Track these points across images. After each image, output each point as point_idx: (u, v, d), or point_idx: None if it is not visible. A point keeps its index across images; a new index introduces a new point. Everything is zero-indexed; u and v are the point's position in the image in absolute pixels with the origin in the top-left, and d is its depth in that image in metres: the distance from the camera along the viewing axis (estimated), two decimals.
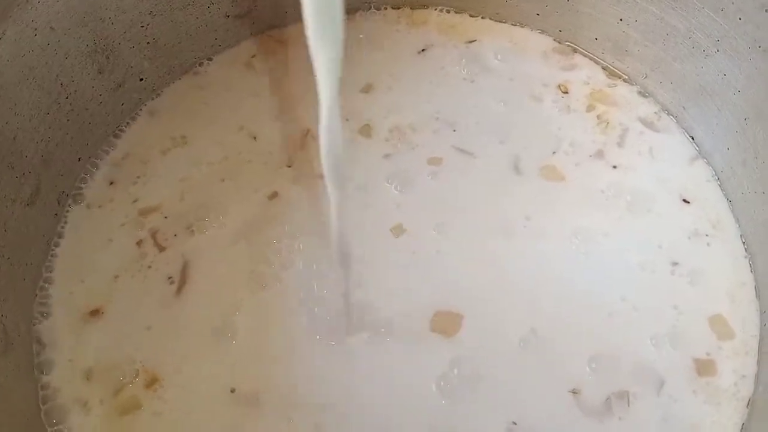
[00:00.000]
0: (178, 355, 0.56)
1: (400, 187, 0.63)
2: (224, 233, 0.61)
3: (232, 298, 0.58)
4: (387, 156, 0.65)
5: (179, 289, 0.59)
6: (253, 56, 0.71)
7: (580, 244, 0.60)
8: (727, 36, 0.58)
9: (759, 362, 0.56)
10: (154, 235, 0.61)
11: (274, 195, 0.63)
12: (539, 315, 0.57)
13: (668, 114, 0.67)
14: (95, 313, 0.58)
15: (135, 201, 0.63)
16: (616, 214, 0.62)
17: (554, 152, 0.65)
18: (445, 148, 0.65)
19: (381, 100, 0.68)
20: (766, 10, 0.54)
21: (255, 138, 0.66)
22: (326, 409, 0.54)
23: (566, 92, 0.68)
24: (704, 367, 0.56)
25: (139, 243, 0.61)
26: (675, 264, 0.60)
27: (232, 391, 0.55)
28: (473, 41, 0.71)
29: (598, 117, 0.67)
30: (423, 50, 0.71)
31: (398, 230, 0.61)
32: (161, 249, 0.60)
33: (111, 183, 0.64)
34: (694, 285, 0.59)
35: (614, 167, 0.64)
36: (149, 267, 0.60)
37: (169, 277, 0.59)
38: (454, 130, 0.66)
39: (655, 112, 0.67)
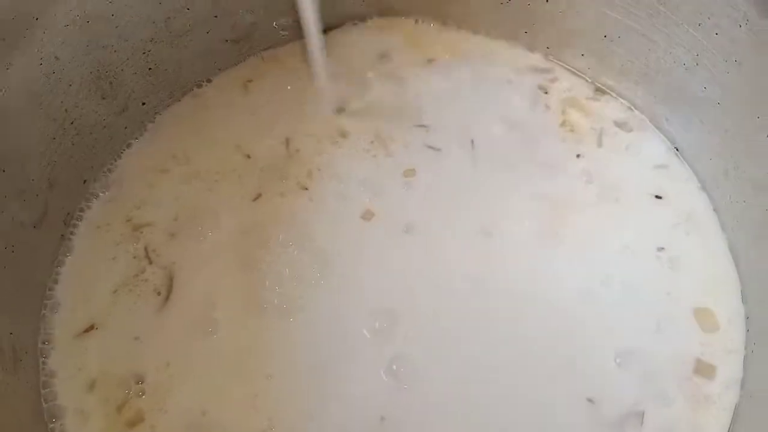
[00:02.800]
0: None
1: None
2: (215, 246, 0.63)
3: (221, 305, 0.60)
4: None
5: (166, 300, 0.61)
6: (250, 81, 0.73)
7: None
8: (705, 50, 0.60)
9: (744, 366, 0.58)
10: (147, 250, 0.63)
11: (261, 204, 0.65)
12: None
13: (650, 123, 0.69)
14: (90, 329, 0.60)
15: (131, 219, 0.65)
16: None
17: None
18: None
19: None
20: (740, 26, 0.56)
21: (249, 156, 0.68)
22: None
23: (546, 93, 0.70)
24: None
25: (135, 258, 0.63)
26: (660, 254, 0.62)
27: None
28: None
29: (567, 122, 0.69)
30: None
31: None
32: (151, 262, 0.62)
33: (112, 203, 0.66)
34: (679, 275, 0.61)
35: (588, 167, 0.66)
36: (144, 281, 0.62)
37: (158, 293, 0.61)
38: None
39: (640, 119, 0.69)
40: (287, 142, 0.69)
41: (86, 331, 0.60)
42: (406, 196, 0.65)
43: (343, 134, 0.69)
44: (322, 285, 0.61)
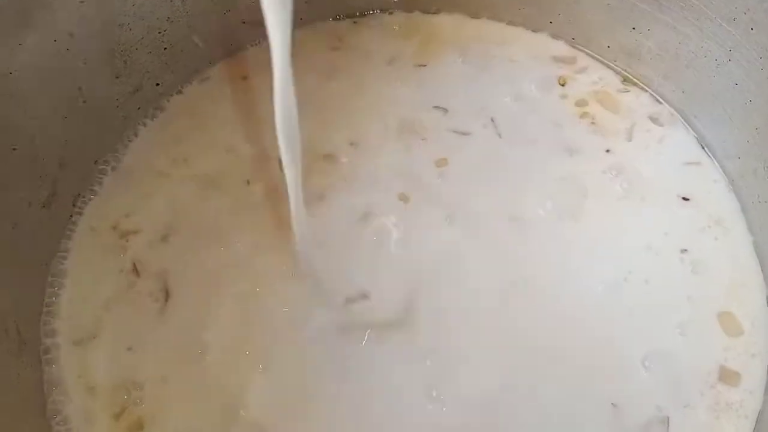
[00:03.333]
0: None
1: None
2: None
3: (215, 312, 0.58)
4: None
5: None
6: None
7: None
8: (739, 46, 0.58)
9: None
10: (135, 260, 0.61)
11: (252, 200, 0.63)
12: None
13: (680, 118, 0.67)
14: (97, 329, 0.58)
15: (127, 215, 0.63)
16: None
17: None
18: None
19: None
20: None
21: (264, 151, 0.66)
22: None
23: (563, 84, 0.69)
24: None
25: (131, 258, 0.61)
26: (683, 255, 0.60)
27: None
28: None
29: (589, 114, 0.67)
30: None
31: None
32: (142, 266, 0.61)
33: (122, 186, 0.64)
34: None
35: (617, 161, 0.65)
36: (138, 284, 0.60)
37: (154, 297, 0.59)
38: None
39: (670, 114, 0.67)
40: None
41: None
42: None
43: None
44: None
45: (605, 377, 0.55)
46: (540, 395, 0.54)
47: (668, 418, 0.54)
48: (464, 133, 0.66)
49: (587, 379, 0.55)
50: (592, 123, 0.66)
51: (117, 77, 0.64)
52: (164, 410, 0.55)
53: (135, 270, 0.60)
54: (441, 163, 0.64)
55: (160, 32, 0.65)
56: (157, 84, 0.67)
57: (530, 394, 0.54)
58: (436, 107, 0.68)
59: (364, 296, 0.58)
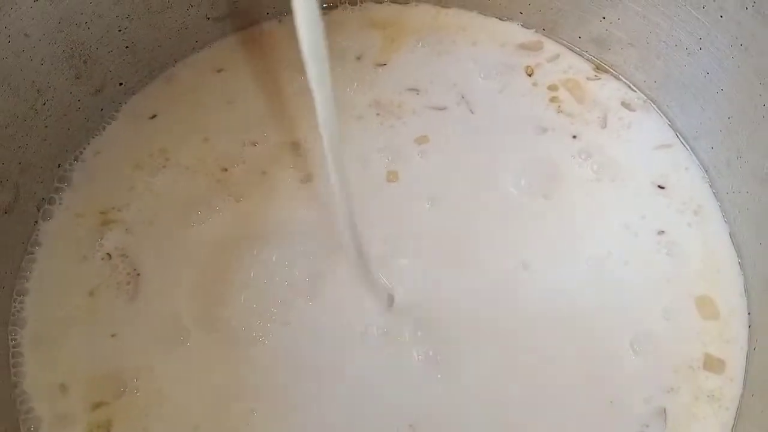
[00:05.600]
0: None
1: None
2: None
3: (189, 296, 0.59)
4: None
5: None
6: (232, 60, 0.70)
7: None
8: (709, 34, 0.57)
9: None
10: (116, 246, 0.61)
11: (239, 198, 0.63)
12: None
13: (653, 106, 0.66)
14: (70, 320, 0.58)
15: (104, 210, 0.63)
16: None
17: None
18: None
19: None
20: (746, 8, 0.53)
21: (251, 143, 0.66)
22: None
23: (531, 74, 0.68)
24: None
25: (104, 252, 0.61)
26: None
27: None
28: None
29: (557, 99, 0.67)
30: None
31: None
32: (122, 255, 0.60)
33: (85, 189, 0.63)
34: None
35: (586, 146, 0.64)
36: (114, 275, 0.60)
37: (127, 282, 0.59)
38: None
39: (643, 102, 0.66)
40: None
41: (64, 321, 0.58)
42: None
43: None
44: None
45: (596, 360, 0.56)
46: (533, 378, 0.56)
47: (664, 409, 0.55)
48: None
49: (578, 360, 0.56)
50: (560, 111, 0.66)
51: (77, 78, 0.62)
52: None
53: (108, 263, 0.60)
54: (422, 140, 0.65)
55: (120, 30, 0.63)
56: (120, 84, 0.66)
57: (526, 380, 0.56)
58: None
59: None
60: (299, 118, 0.66)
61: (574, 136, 0.65)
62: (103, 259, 0.60)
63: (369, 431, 0.54)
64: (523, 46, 0.69)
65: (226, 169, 0.64)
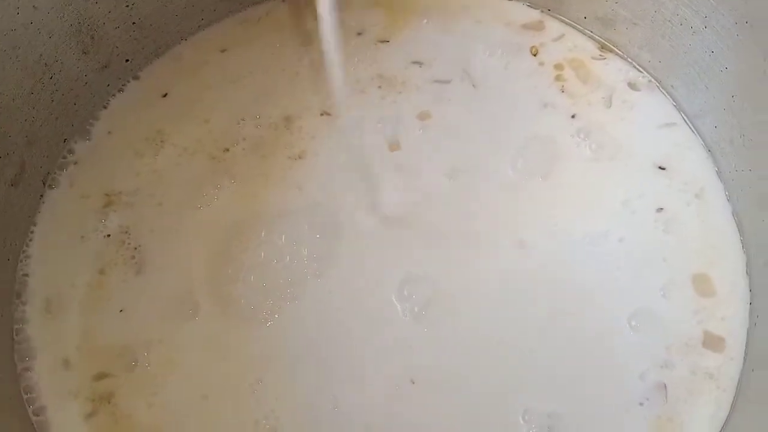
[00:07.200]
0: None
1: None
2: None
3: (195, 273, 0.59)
4: None
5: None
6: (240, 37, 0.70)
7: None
8: (714, 12, 0.57)
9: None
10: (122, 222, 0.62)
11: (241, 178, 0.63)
12: None
13: (657, 85, 0.66)
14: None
15: (109, 186, 0.63)
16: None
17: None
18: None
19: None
20: None
21: (243, 119, 0.66)
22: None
23: (536, 54, 0.68)
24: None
25: (109, 229, 0.61)
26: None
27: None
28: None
29: (562, 77, 0.67)
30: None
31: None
32: (126, 232, 0.61)
33: (90, 165, 0.64)
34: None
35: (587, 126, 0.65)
36: (121, 250, 0.60)
37: (132, 257, 0.60)
38: None
39: (648, 81, 0.66)
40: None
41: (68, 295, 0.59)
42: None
43: None
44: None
45: (593, 337, 0.57)
46: (530, 353, 0.56)
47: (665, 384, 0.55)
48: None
49: (575, 336, 0.57)
50: (563, 90, 0.66)
51: (84, 53, 0.62)
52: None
53: (114, 240, 0.61)
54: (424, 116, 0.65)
55: (128, 6, 0.63)
56: (127, 60, 0.66)
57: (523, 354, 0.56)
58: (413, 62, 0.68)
59: None
60: (301, 98, 0.66)
61: (573, 116, 0.65)
62: (108, 235, 0.61)
63: (373, 392, 0.55)
64: (528, 26, 0.69)
65: (227, 149, 0.64)
